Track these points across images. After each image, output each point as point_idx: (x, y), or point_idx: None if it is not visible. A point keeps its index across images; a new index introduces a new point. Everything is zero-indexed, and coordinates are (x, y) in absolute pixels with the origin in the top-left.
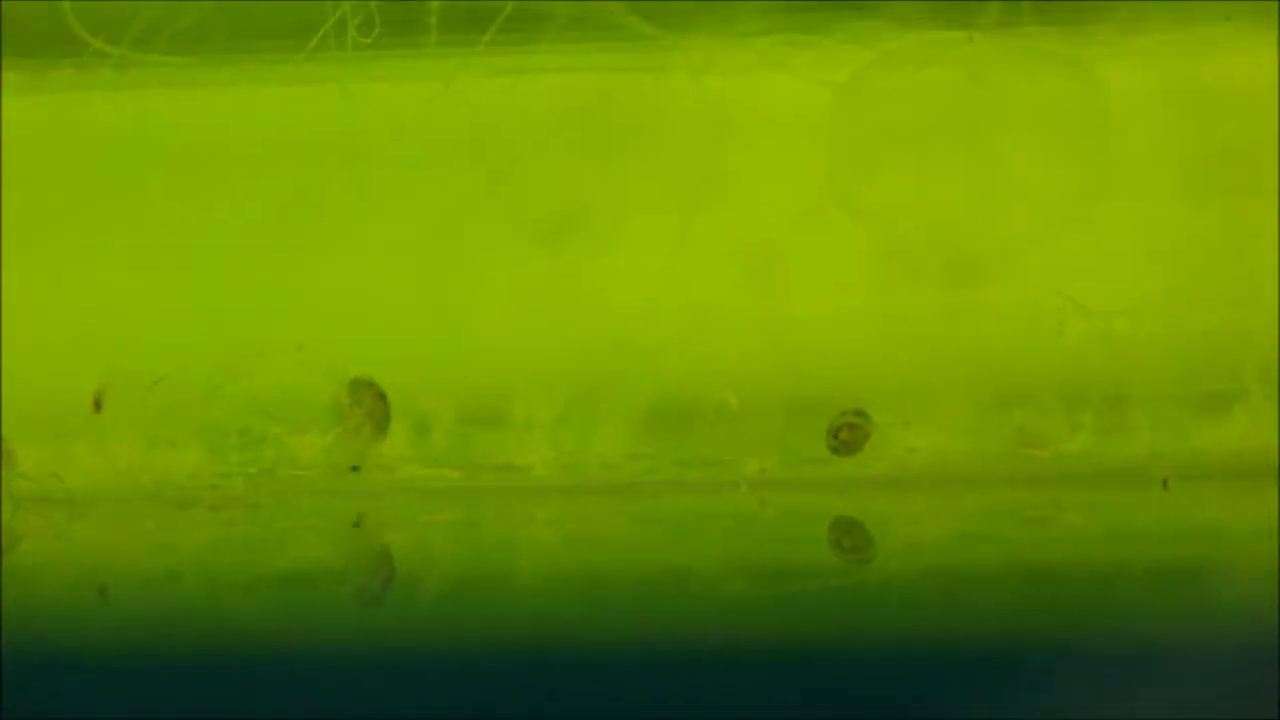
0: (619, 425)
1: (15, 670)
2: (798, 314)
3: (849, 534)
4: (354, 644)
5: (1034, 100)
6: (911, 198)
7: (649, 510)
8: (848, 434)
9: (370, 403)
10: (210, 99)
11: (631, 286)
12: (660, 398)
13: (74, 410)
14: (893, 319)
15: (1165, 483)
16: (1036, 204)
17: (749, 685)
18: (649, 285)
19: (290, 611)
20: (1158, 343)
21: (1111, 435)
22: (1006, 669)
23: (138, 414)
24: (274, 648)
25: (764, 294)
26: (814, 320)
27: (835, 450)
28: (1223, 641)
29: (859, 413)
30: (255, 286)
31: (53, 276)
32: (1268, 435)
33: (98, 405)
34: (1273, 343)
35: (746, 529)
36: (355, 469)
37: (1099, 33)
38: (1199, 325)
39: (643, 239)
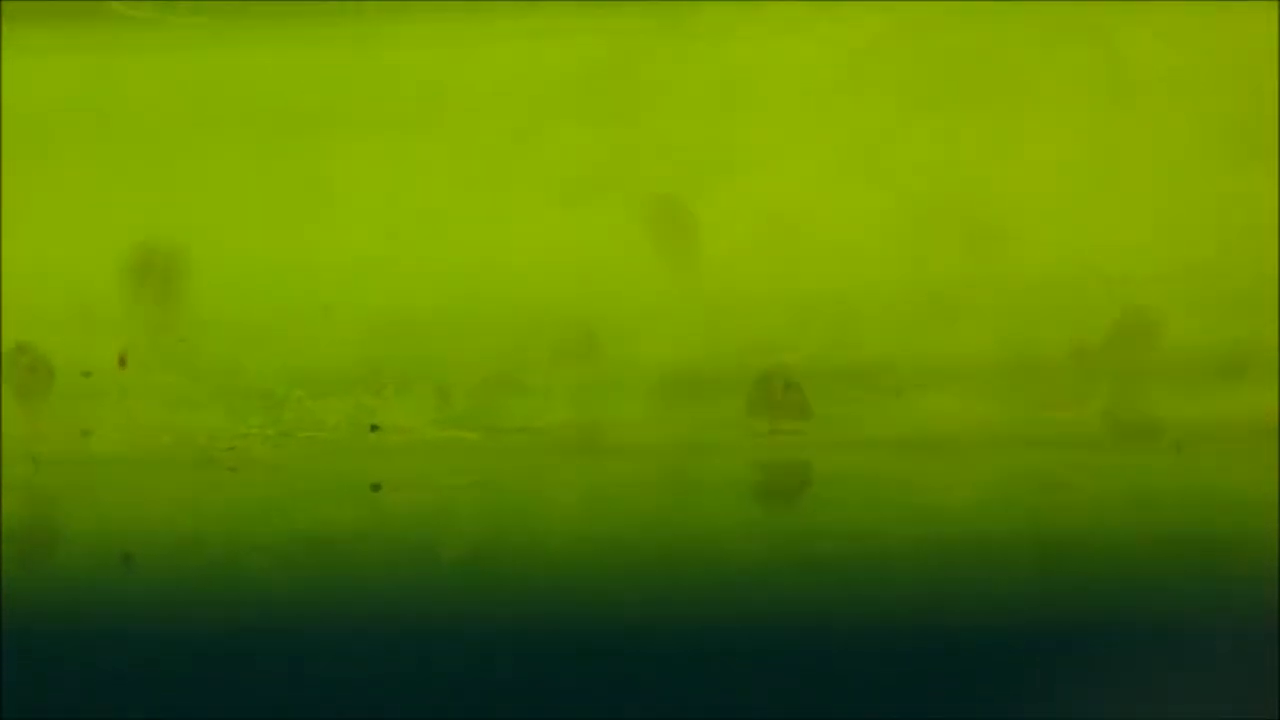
0: (637, 390)
1: (42, 634)
2: (816, 279)
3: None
4: (373, 606)
5: (1052, 67)
6: (930, 163)
7: (665, 472)
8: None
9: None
10: (233, 59)
11: (650, 251)
12: (679, 363)
13: (99, 369)
14: (911, 284)
15: (1179, 446)
16: (1054, 171)
17: (762, 647)
18: (668, 249)
19: (311, 574)
20: (1174, 308)
21: (1126, 400)
22: (1022, 633)
23: (160, 374)
24: (295, 611)
25: (782, 259)
26: (833, 285)
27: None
28: (1235, 605)
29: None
30: (280, 248)
31: (77, 235)
32: None
33: (123, 362)
34: None
35: (757, 492)
36: (375, 429)
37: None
38: (1216, 290)
39: (661, 203)
